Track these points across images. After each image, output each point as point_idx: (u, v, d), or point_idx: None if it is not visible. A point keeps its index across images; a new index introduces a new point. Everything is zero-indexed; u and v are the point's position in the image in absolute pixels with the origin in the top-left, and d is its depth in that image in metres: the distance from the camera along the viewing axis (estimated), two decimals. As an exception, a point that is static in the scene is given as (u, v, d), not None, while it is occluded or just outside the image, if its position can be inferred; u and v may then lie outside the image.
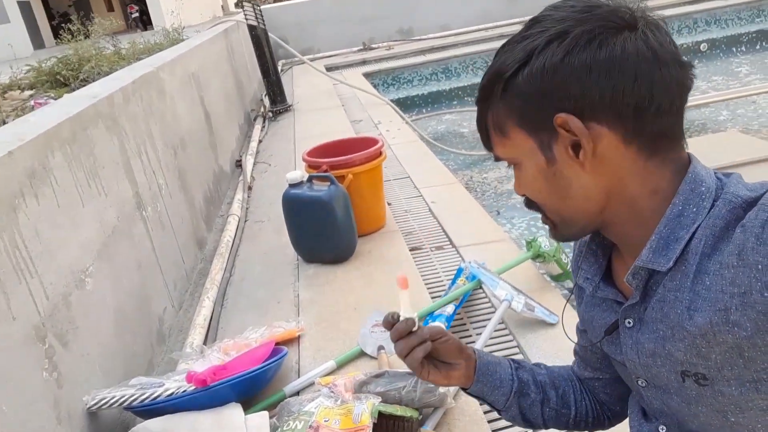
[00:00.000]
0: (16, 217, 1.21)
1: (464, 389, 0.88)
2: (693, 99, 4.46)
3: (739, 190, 0.61)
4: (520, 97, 0.64)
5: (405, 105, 6.69)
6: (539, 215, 0.73)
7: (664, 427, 0.73)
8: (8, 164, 1.23)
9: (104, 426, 1.37)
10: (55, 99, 3.42)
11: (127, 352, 1.60)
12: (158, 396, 1.31)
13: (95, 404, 1.29)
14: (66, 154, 1.49)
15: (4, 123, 2.40)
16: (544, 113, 0.63)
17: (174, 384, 1.35)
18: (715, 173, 0.64)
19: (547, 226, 0.73)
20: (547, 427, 0.91)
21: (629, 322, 0.69)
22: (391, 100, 5.89)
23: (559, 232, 0.72)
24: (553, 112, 0.62)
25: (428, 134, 5.31)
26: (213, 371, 1.37)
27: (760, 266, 0.55)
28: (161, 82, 2.53)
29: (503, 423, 1.48)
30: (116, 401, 1.29)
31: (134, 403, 1.30)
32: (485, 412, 1.47)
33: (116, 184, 1.77)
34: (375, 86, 6.86)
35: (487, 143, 0.71)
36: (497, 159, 0.71)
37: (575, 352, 0.91)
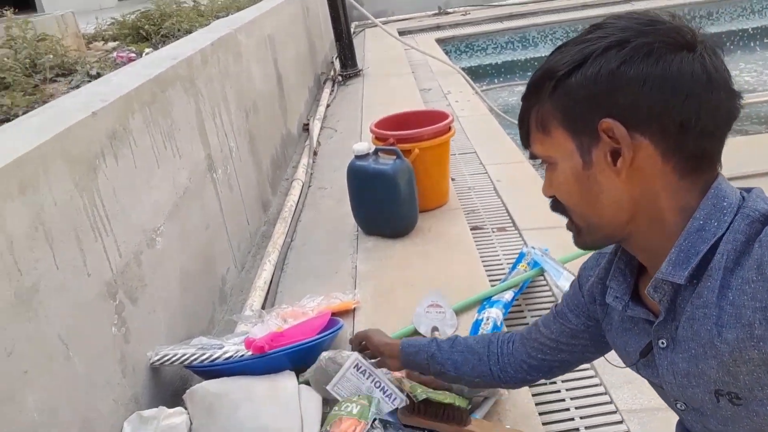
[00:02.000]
0: (95, 177, 1.26)
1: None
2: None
3: (758, 204, 0.62)
4: (570, 97, 0.65)
5: (477, 74, 6.51)
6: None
7: None
8: (91, 125, 1.28)
9: (165, 381, 1.44)
10: (137, 53, 3.52)
11: (190, 310, 1.67)
12: (216, 358, 1.36)
13: (158, 360, 1.36)
14: (145, 115, 1.54)
15: (89, 75, 2.50)
16: (590, 117, 0.64)
17: (233, 347, 1.40)
18: (740, 191, 0.66)
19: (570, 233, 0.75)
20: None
21: (663, 343, 0.69)
22: (463, 68, 5.73)
23: (582, 239, 0.73)
24: (600, 117, 0.63)
25: (499, 106, 5.16)
26: (270, 338, 1.40)
27: None
28: (238, 44, 2.56)
29: (555, 417, 1.46)
30: (177, 359, 1.35)
31: (194, 362, 1.36)
32: (537, 404, 1.45)
33: (190, 147, 1.82)
34: (447, 53, 6.70)
35: (526, 139, 0.73)
36: (533, 156, 0.72)
37: (538, 323, 1.00)
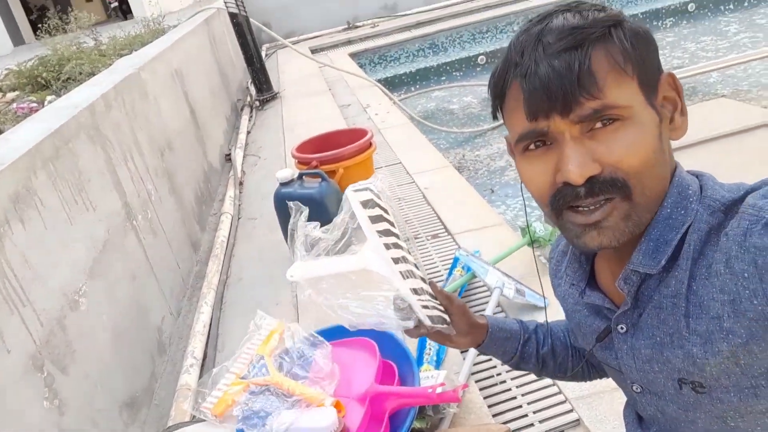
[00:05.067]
0: (2, 245, 1.19)
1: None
2: (686, 70, 4.42)
3: (717, 193, 0.60)
4: (632, 41, 0.58)
5: (393, 84, 6.61)
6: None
7: None
8: (-10, 193, 1.20)
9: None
10: (38, 102, 3.36)
11: (128, 367, 1.59)
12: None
13: None
14: (50, 172, 1.46)
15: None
16: (652, 66, 0.59)
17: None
18: (696, 176, 0.64)
19: (589, 224, 0.60)
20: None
21: (622, 328, 0.67)
22: (379, 80, 5.81)
23: (625, 225, 0.59)
24: (657, 69, 0.60)
25: (418, 113, 5.26)
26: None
27: (746, 274, 0.54)
28: (143, 83, 2.48)
29: (509, 416, 1.49)
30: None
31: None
32: (489, 406, 1.48)
33: (104, 197, 1.75)
34: (362, 66, 6.77)
35: (592, 87, 0.56)
36: (598, 112, 0.56)
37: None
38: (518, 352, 0.89)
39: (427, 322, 0.74)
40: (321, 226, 0.76)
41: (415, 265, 0.71)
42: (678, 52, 6.26)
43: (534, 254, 2.12)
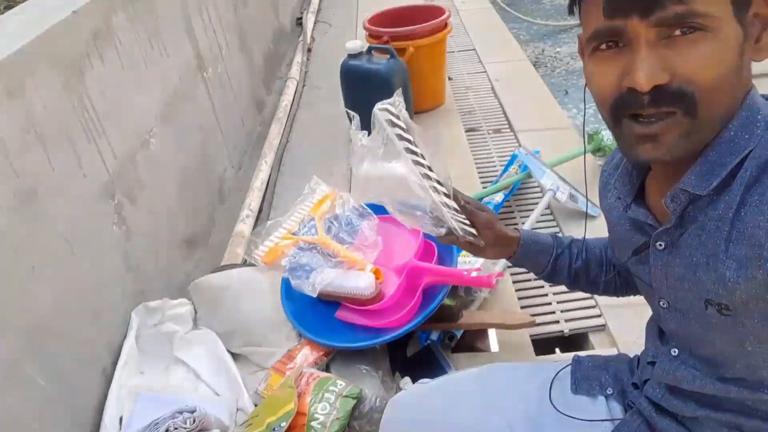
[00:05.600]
0: (83, 78, 1.25)
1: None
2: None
3: None
4: None
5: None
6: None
7: (677, 350, 0.74)
8: (73, 24, 1.25)
9: (170, 276, 1.52)
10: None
11: (190, 209, 1.72)
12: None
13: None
14: (129, 13, 1.49)
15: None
16: None
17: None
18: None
19: (646, 135, 0.58)
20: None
21: (660, 245, 0.68)
22: (467, -43, 5.40)
23: (688, 140, 0.57)
24: None
25: (502, -1, 4.93)
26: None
27: None
28: (223, -70, 2.41)
29: (537, 310, 1.55)
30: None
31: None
32: (519, 298, 1.54)
33: (178, 44, 1.78)
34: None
35: None
36: (681, 17, 0.53)
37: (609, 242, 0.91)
38: (550, 265, 0.91)
39: (459, 232, 0.80)
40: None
41: (438, 182, 0.75)
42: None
43: (595, 162, 2.07)
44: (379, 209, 1.52)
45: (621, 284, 0.94)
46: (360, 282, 1.28)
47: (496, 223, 0.86)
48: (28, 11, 1.28)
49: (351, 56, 2.15)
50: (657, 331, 0.80)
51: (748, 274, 0.58)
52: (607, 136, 2.03)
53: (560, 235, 0.98)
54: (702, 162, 0.60)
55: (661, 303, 0.73)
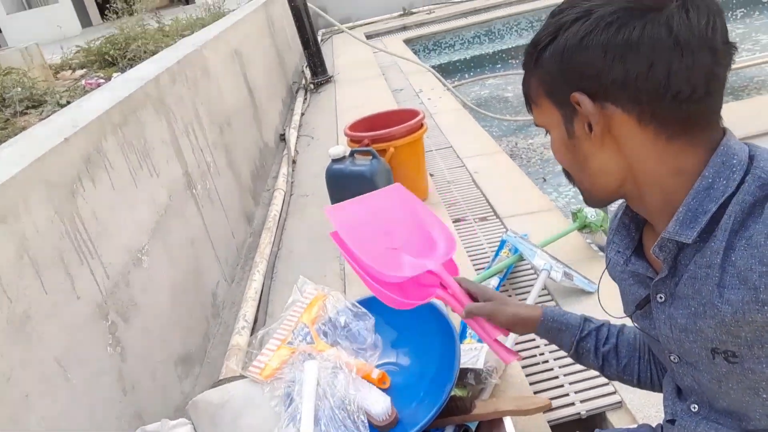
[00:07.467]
0: (74, 201, 1.27)
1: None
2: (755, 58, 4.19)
3: None
4: (547, 70, 0.66)
5: (447, 70, 6.57)
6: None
7: (696, 406, 0.73)
8: (65, 150, 1.29)
9: (166, 397, 1.45)
10: (105, 79, 3.53)
11: (184, 325, 1.68)
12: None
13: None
14: (118, 137, 1.55)
15: (59, 104, 2.50)
16: (565, 89, 0.65)
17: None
18: (749, 147, 0.63)
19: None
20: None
21: (661, 297, 0.69)
22: (433, 66, 5.79)
23: (586, 199, 0.75)
24: (571, 89, 0.64)
25: (471, 100, 5.22)
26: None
27: None
28: (205, 60, 2.57)
29: (550, 394, 1.49)
30: None
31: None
32: (531, 384, 1.49)
33: (167, 165, 1.83)
34: (416, 52, 6.75)
35: (528, 108, 0.73)
36: (535, 124, 0.74)
37: None
38: (574, 346, 0.92)
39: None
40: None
41: None
42: (748, 44, 5.97)
43: (584, 240, 2.10)
44: (374, 303, 1.49)
45: (661, 374, 0.89)
46: (376, 407, 1.22)
47: (506, 307, 0.92)
48: (21, 142, 1.33)
49: (335, 161, 2.23)
50: (674, 389, 0.78)
51: (747, 318, 0.59)
52: (590, 213, 2.08)
53: (592, 317, 0.97)
54: (683, 210, 0.63)
55: (672, 357, 0.73)
